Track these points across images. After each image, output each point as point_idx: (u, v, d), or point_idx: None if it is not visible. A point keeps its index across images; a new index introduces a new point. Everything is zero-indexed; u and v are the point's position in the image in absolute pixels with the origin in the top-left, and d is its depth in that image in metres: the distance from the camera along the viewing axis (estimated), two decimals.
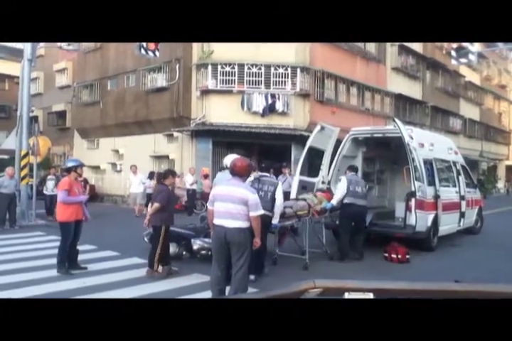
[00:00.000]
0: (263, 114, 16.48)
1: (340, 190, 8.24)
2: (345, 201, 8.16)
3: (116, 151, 20.36)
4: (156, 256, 6.61)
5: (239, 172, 5.18)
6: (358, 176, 8.74)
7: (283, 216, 7.20)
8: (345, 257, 8.00)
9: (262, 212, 5.14)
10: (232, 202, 4.98)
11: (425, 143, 9.38)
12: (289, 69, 16.82)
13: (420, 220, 8.50)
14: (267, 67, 16.67)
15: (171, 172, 7.33)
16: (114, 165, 20.52)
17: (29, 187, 12.92)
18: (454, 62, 17.32)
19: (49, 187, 13.38)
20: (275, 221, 6.71)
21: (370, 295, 1.08)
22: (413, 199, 8.55)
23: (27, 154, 12.67)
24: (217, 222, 5.10)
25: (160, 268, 6.74)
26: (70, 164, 7.16)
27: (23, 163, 12.63)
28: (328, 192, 9.00)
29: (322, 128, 9.55)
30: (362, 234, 8.38)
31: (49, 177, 13.87)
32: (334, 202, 8.19)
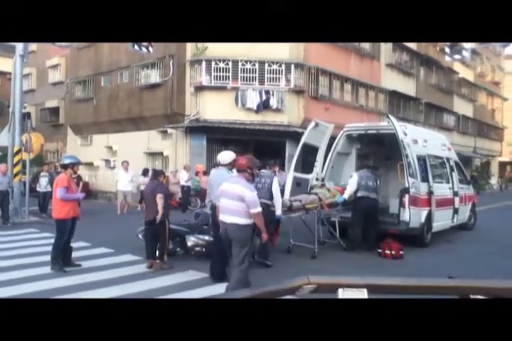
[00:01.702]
0: (257, 111, 16.46)
1: (351, 185, 8.70)
2: (358, 195, 8.63)
3: (110, 148, 20.28)
4: (166, 249, 6.92)
5: (240, 169, 5.42)
6: (369, 172, 9.00)
7: (290, 208, 7.67)
8: (356, 247, 8.38)
9: (260, 209, 5.23)
10: (231, 198, 5.17)
11: (419, 139, 9.41)
12: (283, 66, 16.79)
13: (414, 216, 8.54)
14: (261, 63, 16.64)
15: (162, 173, 7.91)
16: (107, 161, 20.45)
17: (22, 184, 12.84)
18: (447, 58, 17.37)
19: (42, 184, 13.32)
20: (278, 212, 7.02)
21: (364, 291, 1.08)
22: (407, 196, 8.59)
23: (20, 151, 12.59)
24: (220, 217, 5.36)
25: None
26: (67, 161, 7.10)
27: (15, 159, 12.55)
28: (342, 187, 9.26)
29: (316, 124, 9.55)
30: (375, 226, 8.68)
31: (42, 174, 13.80)
32: (346, 196, 8.66)
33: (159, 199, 6.89)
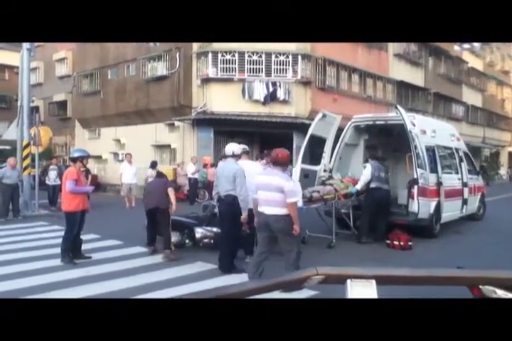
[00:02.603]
0: (264, 102, 16.41)
1: (365, 176, 8.67)
2: (372, 185, 8.61)
3: (118, 141, 20.35)
4: (170, 237, 7.06)
5: (277, 162, 5.50)
6: (379, 163, 8.99)
7: (310, 200, 7.82)
8: (363, 238, 8.38)
9: (297, 198, 5.44)
10: (270, 190, 5.32)
11: (427, 130, 9.33)
12: (290, 57, 16.69)
13: (423, 207, 8.50)
14: (268, 54, 16.55)
15: (164, 175, 8.36)
16: (116, 154, 20.54)
17: (31, 178, 12.93)
18: (456, 48, 17.19)
19: (51, 178, 13.39)
20: (300, 204, 7.04)
21: (373, 282, 1.07)
22: (415, 187, 8.54)
23: (28, 144, 12.66)
24: (259, 209, 5.48)
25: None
26: (76, 154, 7.14)
27: (24, 153, 12.63)
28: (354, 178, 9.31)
29: (324, 115, 9.50)
30: (386, 217, 8.66)
31: (51, 167, 13.87)
32: (359, 186, 8.68)
33: (170, 191, 7.22)
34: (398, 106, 9.15)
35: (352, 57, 19.16)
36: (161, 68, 17.76)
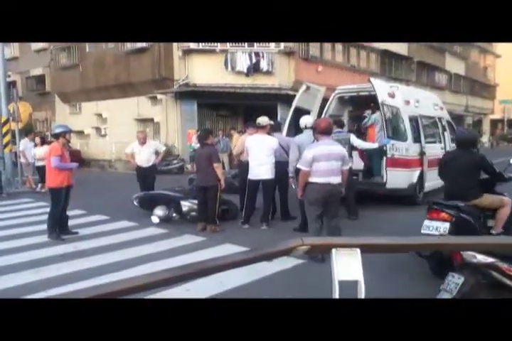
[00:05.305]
0: (247, 74, 16.22)
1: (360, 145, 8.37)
2: None
3: (100, 115, 20.02)
4: (216, 212, 7.15)
5: (324, 131, 5.59)
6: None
7: None
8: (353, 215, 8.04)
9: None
10: (335, 159, 5.44)
11: (411, 100, 9.34)
12: None
13: (399, 177, 8.55)
14: None
15: (209, 132, 7.91)
16: (98, 129, 20.25)
17: (13, 155, 12.74)
18: None
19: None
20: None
21: (357, 251, 1.10)
22: (384, 158, 8.56)
23: (8, 121, 12.41)
24: (321, 180, 5.41)
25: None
26: (58, 130, 7.04)
27: (4, 130, 12.40)
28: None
29: (307, 87, 9.43)
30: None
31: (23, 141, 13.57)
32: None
33: (217, 168, 7.12)
34: (371, 79, 9.02)
35: None
36: None
